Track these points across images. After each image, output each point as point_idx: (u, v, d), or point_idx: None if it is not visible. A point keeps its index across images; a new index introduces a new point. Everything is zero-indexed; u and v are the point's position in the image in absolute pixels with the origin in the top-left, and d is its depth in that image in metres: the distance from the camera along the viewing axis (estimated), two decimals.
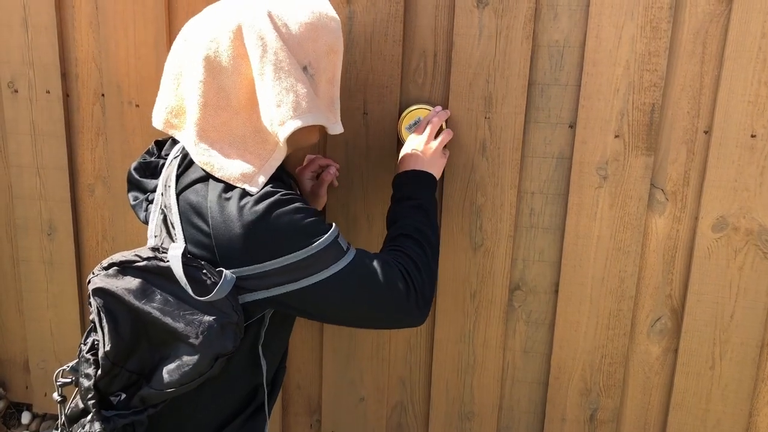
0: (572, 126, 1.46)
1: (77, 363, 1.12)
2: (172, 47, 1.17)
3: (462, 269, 1.58)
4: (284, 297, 1.06)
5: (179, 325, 1.03)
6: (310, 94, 1.07)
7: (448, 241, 1.56)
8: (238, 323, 1.04)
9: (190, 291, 1.02)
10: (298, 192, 1.31)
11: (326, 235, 1.06)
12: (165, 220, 1.13)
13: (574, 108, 1.45)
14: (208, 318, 1.02)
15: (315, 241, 1.05)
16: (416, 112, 1.47)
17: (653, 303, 1.53)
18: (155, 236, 1.17)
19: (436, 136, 1.40)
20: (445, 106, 1.49)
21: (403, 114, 1.48)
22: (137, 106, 1.63)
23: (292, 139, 1.14)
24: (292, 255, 1.03)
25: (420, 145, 1.37)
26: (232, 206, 1.04)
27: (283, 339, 1.27)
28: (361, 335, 1.67)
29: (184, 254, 1.05)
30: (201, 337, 1.02)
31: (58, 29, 1.63)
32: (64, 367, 1.14)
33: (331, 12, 1.14)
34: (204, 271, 1.03)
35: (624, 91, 1.41)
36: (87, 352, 1.10)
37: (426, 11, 1.46)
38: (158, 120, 1.18)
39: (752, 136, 1.39)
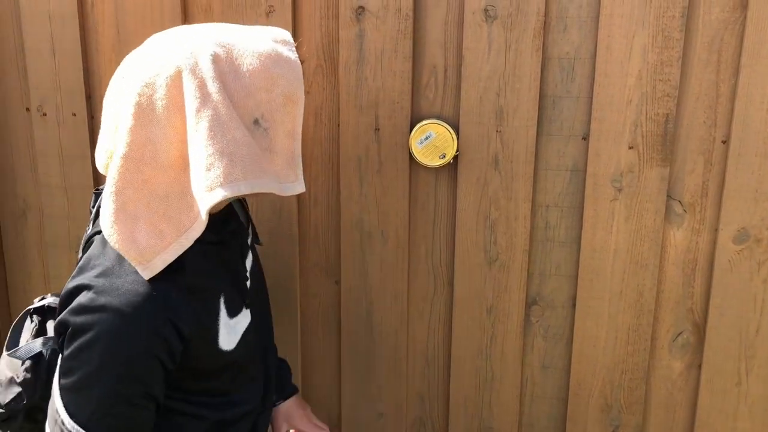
0: (585, 138, 1.45)
1: None
2: (110, 83, 1.05)
3: (477, 284, 1.57)
4: None
5: None
6: (253, 156, 0.94)
7: (463, 256, 1.56)
8: (22, 386, 1.07)
9: (5, 343, 1.13)
10: (236, 235, 1.19)
11: (103, 392, 0.96)
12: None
13: (586, 120, 1.44)
14: (8, 367, 1.10)
15: (66, 408, 0.97)
16: (427, 126, 1.48)
17: (674, 317, 1.49)
18: None
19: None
20: (456, 121, 1.49)
21: (415, 129, 1.48)
22: None
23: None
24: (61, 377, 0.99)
25: None
26: (79, 277, 1.01)
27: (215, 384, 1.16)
28: (378, 350, 1.67)
29: (36, 307, 1.12)
30: None
31: (82, 54, 1.69)
32: None
33: (292, 55, 1.01)
34: (34, 327, 1.12)
35: (637, 101, 1.39)
36: None
37: (435, 27, 1.46)
38: (100, 163, 1.07)
39: None
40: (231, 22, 1.54)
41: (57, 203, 1.82)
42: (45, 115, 1.76)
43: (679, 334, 1.50)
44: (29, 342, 1.11)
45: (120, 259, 1.00)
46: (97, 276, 0.98)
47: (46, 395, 1.08)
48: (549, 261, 1.53)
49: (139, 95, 0.95)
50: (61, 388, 0.98)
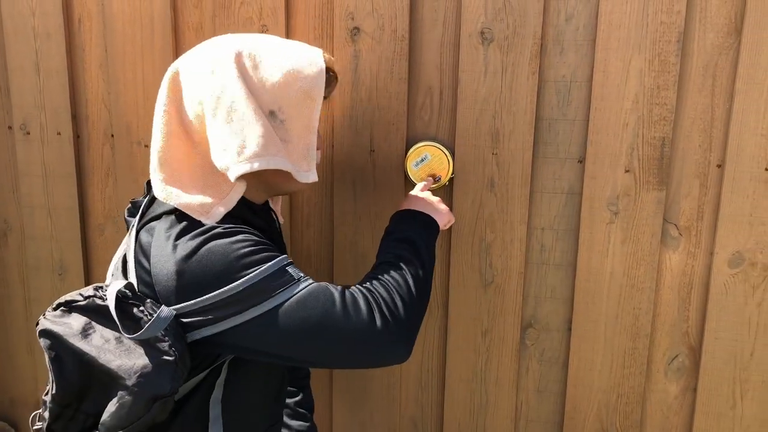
0: (581, 161, 1.44)
1: None
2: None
3: (473, 307, 1.55)
4: (233, 333, 1.00)
5: (114, 365, 0.98)
6: (267, 139, 1.03)
7: (458, 279, 1.54)
8: (177, 362, 0.98)
9: (120, 328, 0.99)
10: (276, 230, 1.26)
11: (268, 264, 1.00)
12: (124, 258, 1.12)
13: (582, 143, 1.43)
14: (142, 357, 0.98)
15: (254, 271, 0.99)
16: (423, 149, 1.46)
17: (670, 341, 1.49)
18: (112, 275, 1.15)
19: None
20: (451, 143, 1.48)
21: (410, 151, 1.47)
22: (146, 146, 1.63)
23: (266, 183, 1.14)
24: (229, 287, 0.98)
25: (430, 195, 1.33)
26: (169, 242, 1.02)
27: (250, 400, 1.19)
28: (370, 374, 1.64)
29: (120, 291, 1.01)
30: (134, 377, 0.97)
31: (68, 72, 1.65)
32: (38, 411, 1.10)
33: (313, 57, 1.10)
34: (141, 308, 1.00)
35: (633, 125, 1.39)
36: (45, 395, 1.07)
37: (431, 49, 1.45)
38: None
39: (766, 169, 1.36)
40: None
41: (40, 224, 1.77)
42: (28, 133, 1.71)
43: (675, 358, 1.49)
44: (158, 314, 0.99)
45: (191, 220, 1.05)
46: (181, 237, 1.03)
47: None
48: (544, 284, 1.52)
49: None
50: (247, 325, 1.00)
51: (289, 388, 1.49)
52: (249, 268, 0.99)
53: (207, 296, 0.99)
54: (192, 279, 0.99)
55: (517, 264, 1.51)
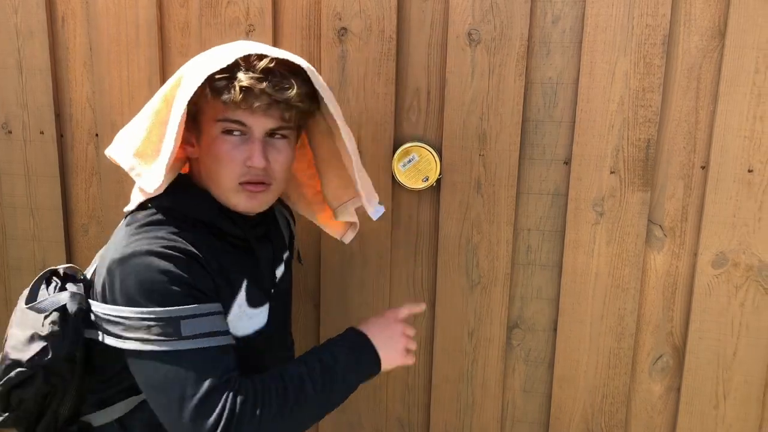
0: (567, 162, 1.45)
1: None
2: None
3: (459, 308, 1.55)
4: (116, 351, 1.03)
5: (8, 330, 1.08)
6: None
7: (444, 279, 1.54)
8: (47, 339, 1.02)
9: (23, 300, 1.08)
10: (264, 238, 1.24)
11: (169, 308, 0.99)
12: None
13: (568, 144, 1.44)
14: (23, 328, 1.04)
15: (152, 307, 0.99)
16: (410, 149, 1.46)
17: (654, 341, 1.50)
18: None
19: None
20: (439, 144, 1.48)
21: (398, 151, 1.47)
22: None
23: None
24: (126, 309, 1.00)
25: (402, 329, 1.19)
26: (122, 228, 1.11)
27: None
28: None
29: (50, 269, 1.12)
30: (5, 341, 1.06)
31: (52, 71, 1.63)
32: None
33: (211, 63, 1.03)
34: (56, 286, 1.09)
35: (619, 127, 1.40)
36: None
37: (418, 49, 1.45)
38: None
39: (749, 171, 1.37)
40: (210, 41, 1.51)
41: (22, 224, 1.75)
42: (10, 132, 1.69)
43: (659, 358, 1.51)
44: (54, 295, 1.06)
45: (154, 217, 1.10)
46: (136, 225, 1.09)
47: (71, 356, 1.05)
48: (530, 284, 1.53)
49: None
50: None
51: None
52: (151, 302, 1.00)
53: (110, 307, 1.03)
54: (110, 284, 1.03)
55: (503, 265, 1.52)
